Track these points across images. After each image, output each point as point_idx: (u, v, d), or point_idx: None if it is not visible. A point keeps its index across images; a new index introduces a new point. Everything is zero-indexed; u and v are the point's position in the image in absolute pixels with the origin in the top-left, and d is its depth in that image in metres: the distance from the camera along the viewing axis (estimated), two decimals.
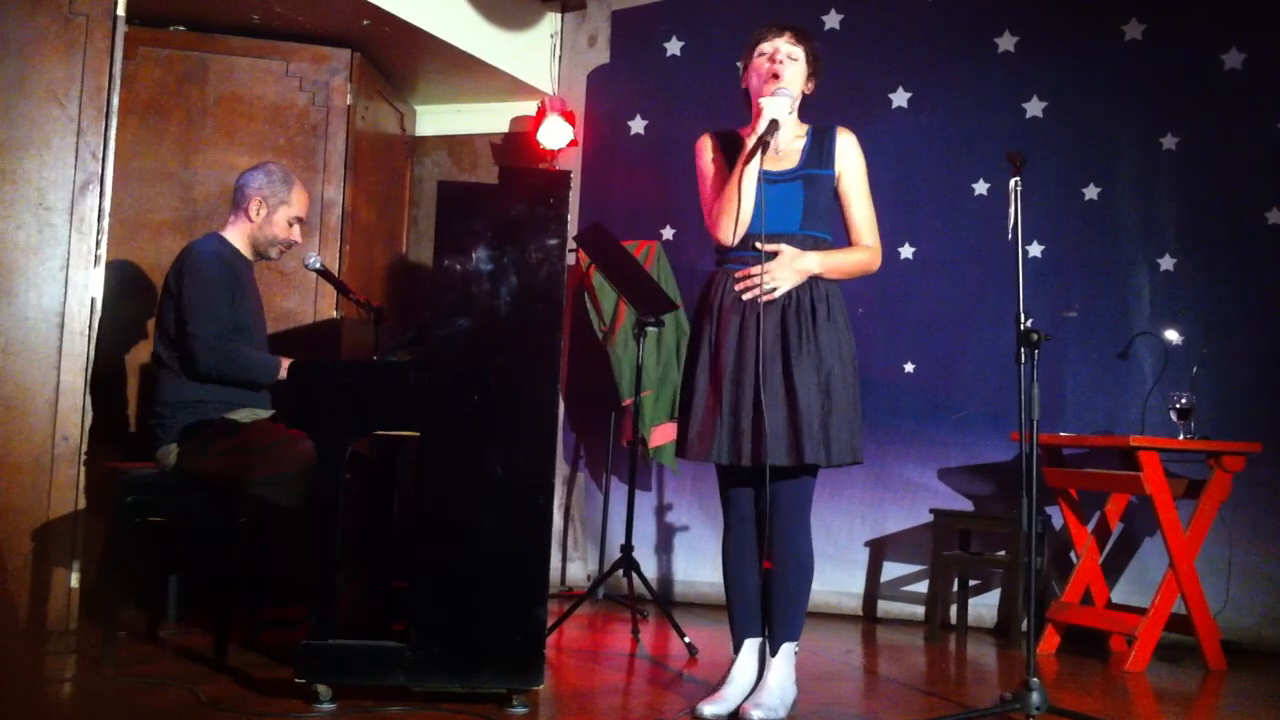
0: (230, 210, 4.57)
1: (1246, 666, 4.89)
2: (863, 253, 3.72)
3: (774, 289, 3.57)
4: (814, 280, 3.62)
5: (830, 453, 3.52)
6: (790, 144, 3.71)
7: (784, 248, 3.59)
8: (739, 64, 3.87)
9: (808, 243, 3.63)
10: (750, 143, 3.56)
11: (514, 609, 3.45)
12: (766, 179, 3.61)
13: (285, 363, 4.32)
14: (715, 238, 3.69)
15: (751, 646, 3.67)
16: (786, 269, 3.58)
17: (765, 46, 3.69)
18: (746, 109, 3.76)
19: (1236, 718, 4.15)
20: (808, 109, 3.82)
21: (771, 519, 3.59)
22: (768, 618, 3.63)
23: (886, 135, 6.04)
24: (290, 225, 4.57)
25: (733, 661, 3.67)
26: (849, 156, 3.72)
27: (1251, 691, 4.51)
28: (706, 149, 3.80)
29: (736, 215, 3.59)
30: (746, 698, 3.57)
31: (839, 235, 3.73)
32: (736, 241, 3.64)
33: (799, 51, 3.68)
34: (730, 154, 3.72)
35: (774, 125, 3.54)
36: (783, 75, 3.64)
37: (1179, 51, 5.63)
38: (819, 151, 3.70)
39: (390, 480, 4.53)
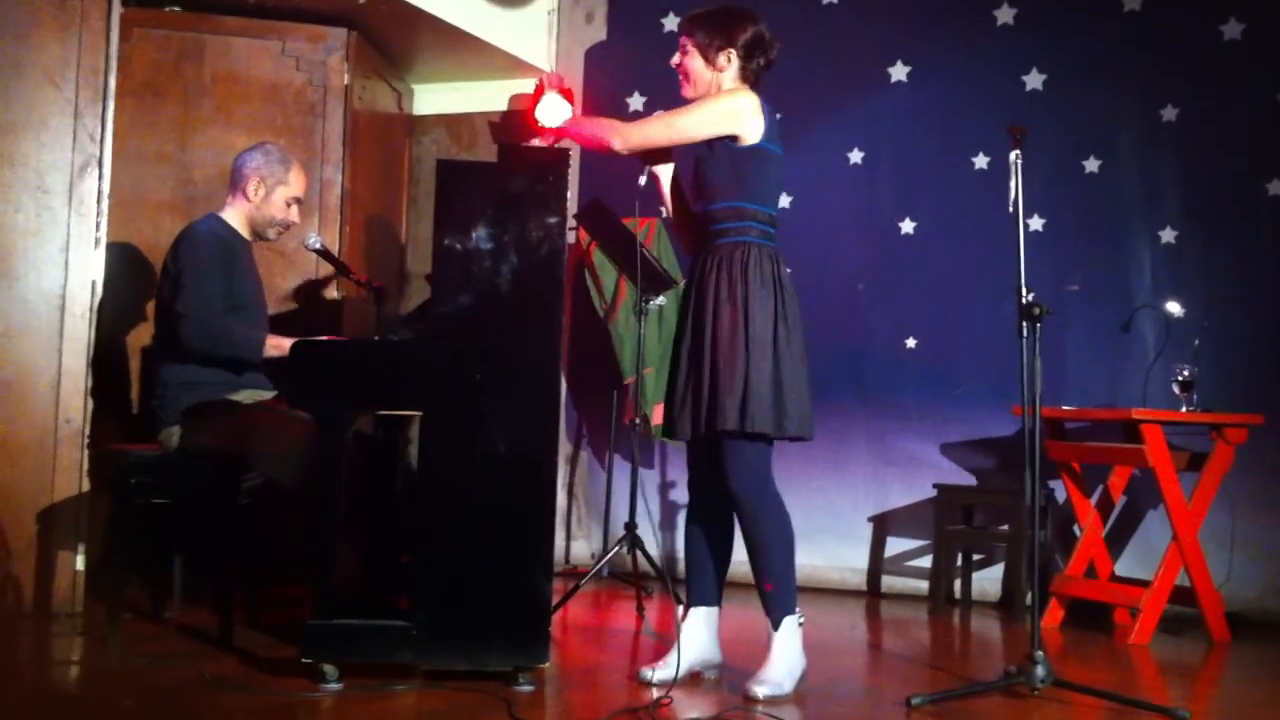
0: (228, 191, 4.55)
1: (1250, 638, 4.90)
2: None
3: None
4: (733, 249, 3.64)
5: (703, 425, 3.57)
6: None
7: None
8: None
9: (717, 215, 3.69)
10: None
11: (519, 587, 3.46)
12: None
13: (272, 340, 4.29)
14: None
15: (698, 615, 3.75)
16: None
17: None
18: None
19: (1241, 689, 4.16)
20: (774, 87, 3.90)
21: (729, 492, 3.60)
22: (760, 596, 3.65)
23: (886, 109, 6.02)
24: (288, 206, 4.54)
25: (679, 627, 3.73)
26: None
27: (1255, 662, 4.52)
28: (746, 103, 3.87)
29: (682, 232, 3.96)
30: (695, 663, 3.72)
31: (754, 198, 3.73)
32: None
33: (688, 44, 3.77)
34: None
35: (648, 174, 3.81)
36: (685, 84, 3.82)
37: (1178, 22, 5.60)
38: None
39: (393, 458, 4.52)
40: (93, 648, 3.96)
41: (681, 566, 6.06)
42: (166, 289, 4.32)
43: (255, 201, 4.48)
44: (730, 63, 3.72)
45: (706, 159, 3.70)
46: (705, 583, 3.77)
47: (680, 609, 3.81)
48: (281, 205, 4.51)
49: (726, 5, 3.76)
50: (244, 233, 4.52)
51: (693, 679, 3.69)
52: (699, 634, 3.73)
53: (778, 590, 3.61)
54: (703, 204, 3.73)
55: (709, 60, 3.72)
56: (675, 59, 3.77)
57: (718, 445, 3.58)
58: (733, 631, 3.89)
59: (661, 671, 3.61)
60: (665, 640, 4.51)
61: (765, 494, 3.59)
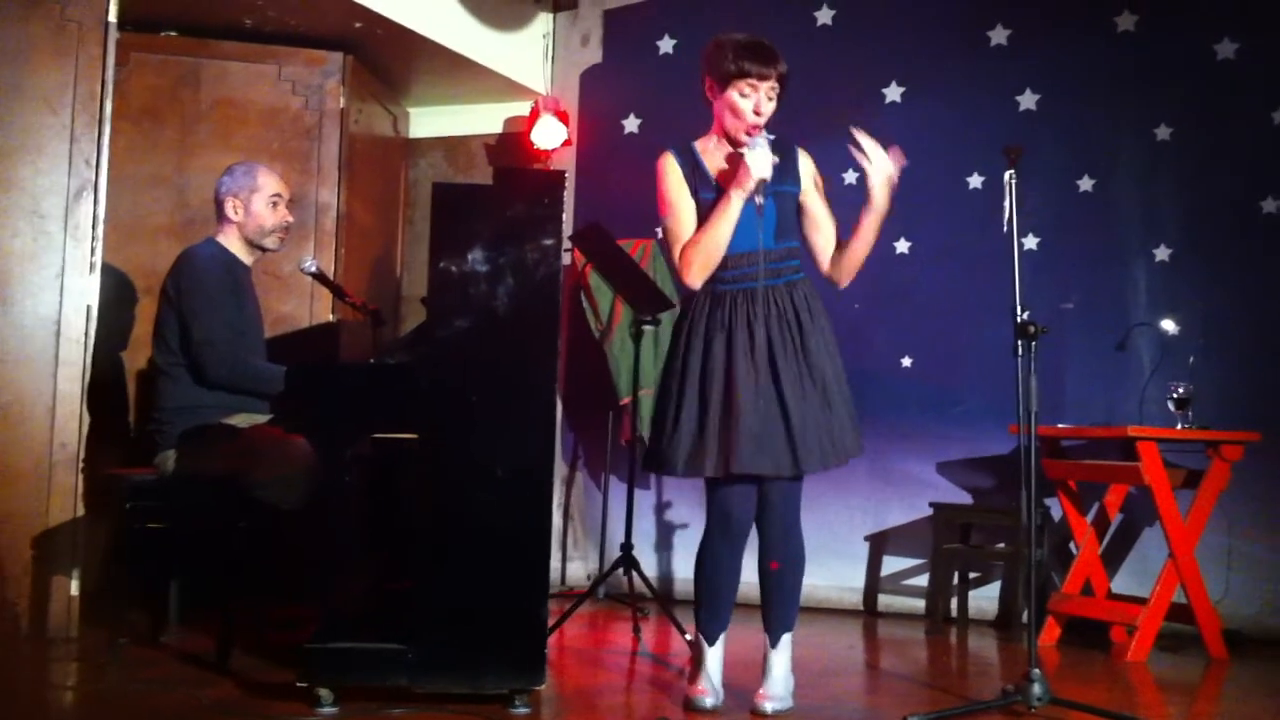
0: (216, 221, 4.56)
1: (1247, 655, 4.89)
2: None
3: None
4: (793, 287, 3.65)
5: (836, 453, 3.57)
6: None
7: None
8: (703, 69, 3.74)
9: (782, 254, 3.66)
10: (735, 200, 3.53)
11: (515, 609, 3.45)
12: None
13: None
14: (684, 280, 3.64)
15: (722, 641, 3.72)
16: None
17: (749, 86, 3.61)
18: (708, 115, 3.73)
19: (1238, 706, 4.16)
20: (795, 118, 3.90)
21: (766, 520, 3.63)
22: (767, 614, 3.67)
23: (880, 130, 5.91)
24: (273, 207, 4.53)
25: (705, 656, 3.69)
26: (812, 174, 3.79)
27: (1253, 679, 4.52)
28: (671, 172, 3.68)
29: (712, 267, 3.61)
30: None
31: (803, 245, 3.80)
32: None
33: (777, 90, 3.67)
34: (693, 178, 3.67)
35: (762, 184, 3.54)
36: (763, 122, 3.63)
37: (1171, 42, 5.61)
38: (783, 169, 3.68)
39: (391, 481, 4.52)
40: (90, 673, 3.95)
41: (678, 589, 6.10)
42: (168, 315, 4.33)
43: (239, 219, 4.49)
44: None
45: (781, 199, 3.67)
46: (729, 611, 3.74)
47: (699, 637, 3.72)
48: (265, 210, 4.50)
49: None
50: (242, 255, 4.52)
51: (686, 700, 3.66)
52: (720, 659, 3.73)
53: (791, 612, 3.68)
54: (778, 240, 3.66)
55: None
56: (766, 105, 3.63)
57: (780, 478, 3.58)
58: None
59: (711, 698, 3.59)
60: (662, 661, 4.51)
61: (800, 521, 3.69)
